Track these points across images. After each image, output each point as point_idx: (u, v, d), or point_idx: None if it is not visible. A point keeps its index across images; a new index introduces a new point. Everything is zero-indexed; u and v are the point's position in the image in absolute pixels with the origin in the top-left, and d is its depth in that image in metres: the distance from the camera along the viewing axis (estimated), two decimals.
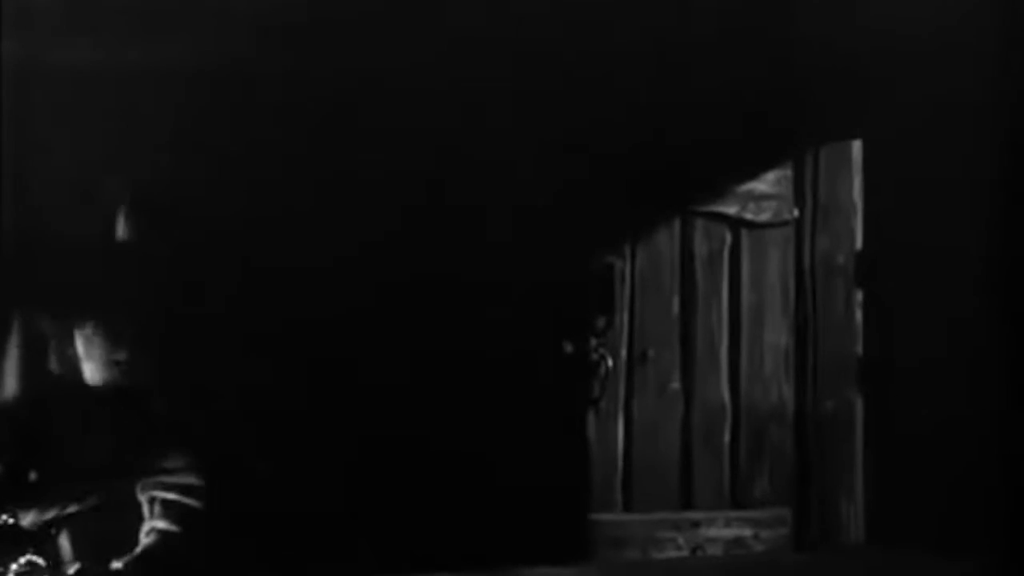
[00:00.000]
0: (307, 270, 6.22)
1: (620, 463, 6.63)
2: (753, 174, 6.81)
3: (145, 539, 5.42)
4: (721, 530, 6.61)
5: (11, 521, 5.31)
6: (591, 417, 6.62)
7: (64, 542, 5.40)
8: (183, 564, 5.41)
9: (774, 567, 4.97)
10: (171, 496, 5.44)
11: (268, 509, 6.09)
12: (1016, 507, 4.93)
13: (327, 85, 6.34)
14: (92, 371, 5.58)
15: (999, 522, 4.99)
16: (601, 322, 6.64)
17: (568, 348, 6.62)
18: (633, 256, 6.70)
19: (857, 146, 6.81)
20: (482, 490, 6.45)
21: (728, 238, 6.79)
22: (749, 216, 6.79)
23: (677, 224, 6.76)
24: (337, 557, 6.09)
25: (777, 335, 6.77)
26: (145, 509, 5.47)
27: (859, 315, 6.76)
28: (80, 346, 5.58)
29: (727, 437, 6.70)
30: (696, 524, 6.61)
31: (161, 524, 5.42)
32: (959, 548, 4.88)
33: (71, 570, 5.26)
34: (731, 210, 6.78)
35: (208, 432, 5.78)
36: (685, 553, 6.52)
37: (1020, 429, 4.94)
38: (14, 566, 5.14)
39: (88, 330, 5.60)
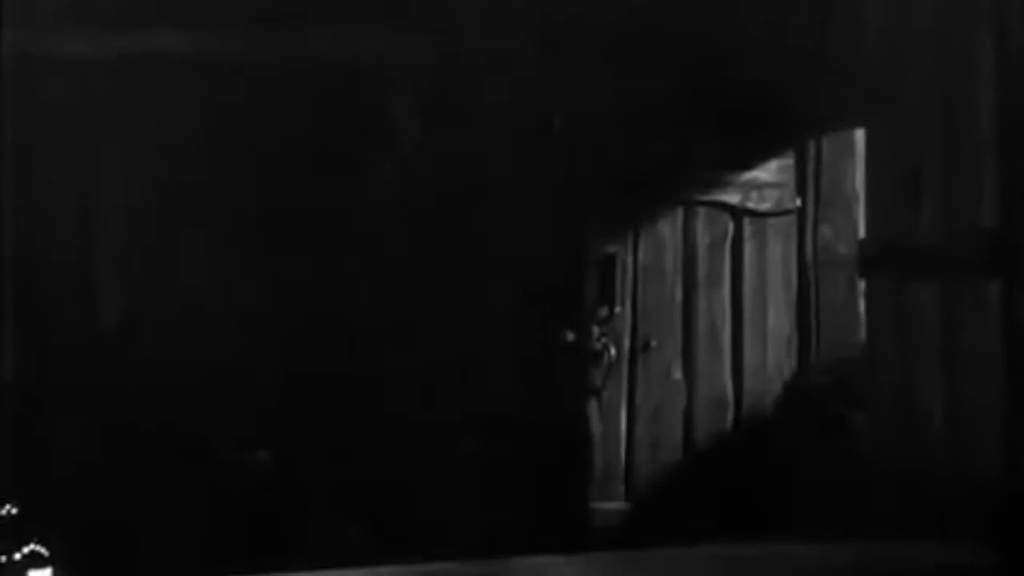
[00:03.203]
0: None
1: (623, 452, 6.64)
2: (756, 163, 6.80)
3: None
4: None
5: (14, 511, 5.31)
6: (593, 406, 6.62)
7: None
8: None
9: (774, 559, 4.96)
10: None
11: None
12: (1017, 500, 4.93)
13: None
14: None
15: (1000, 515, 4.99)
16: (604, 312, 6.64)
17: (570, 337, 6.63)
18: (635, 246, 6.70)
19: (860, 135, 6.79)
20: (485, 478, 6.47)
21: (730, 227, 6.78)
22: (751, 205, 6.78)
23: (679, 213, 6.75)
24: (339, 545, 6.11)
25: (779, 324, 6.77)
26: None
27: (861, 304, 6.76)
28: None
29: (728, 425, 6.70)
30: None
31: None
32: (960, 540, 4.87)
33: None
34: (733, 199, 6.77)
35: None
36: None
37: (1021, 422, 4.94)
38: (17, 555, 5.14)
39: None
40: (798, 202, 6.82)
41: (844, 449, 6.07)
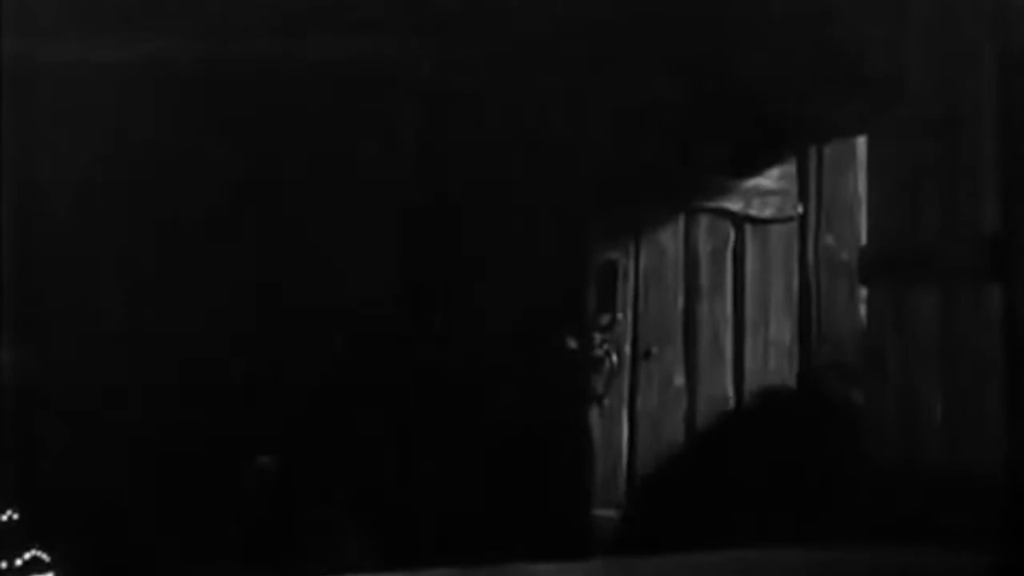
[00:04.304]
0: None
1: (624, 458, 6.63)
2: (758, 170, 6.80)
3: None
4: None
5: (16, 517, 5.32)
6: (595, 413, 6.61)
7: None
8: None
9: (775, 563, 4.97)
10: None
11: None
12: (1017, 502, 4.93)
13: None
14: None
15: (1004, 517, 4.99)
16: (605, 319, 6.65)
17: (572, 345, 6.63)
18: (637, 253, 6.70)
19: (861, 142, 6.80)
20: (487, 485, 6.47)
21: (732, 234, 6.78)
22: (753, 212, 6.79)
23: (681, 220, 6.76)
24: (338, 551, 6.12)
25: (780, 330, 6.77)
26: None
27: (863, 310, 6.76)
28: None
29: (730, 431, 6.69)
30: None
31: None
32: (963, 543, 4.87)
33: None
34: (735, 206, 6.78)
35: None
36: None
37: (1021, 422, 4.95)
38: (18, 561, 5.15)
39: None
40: (800, 209, 6.83)
41: (846, 453, 6.07)
